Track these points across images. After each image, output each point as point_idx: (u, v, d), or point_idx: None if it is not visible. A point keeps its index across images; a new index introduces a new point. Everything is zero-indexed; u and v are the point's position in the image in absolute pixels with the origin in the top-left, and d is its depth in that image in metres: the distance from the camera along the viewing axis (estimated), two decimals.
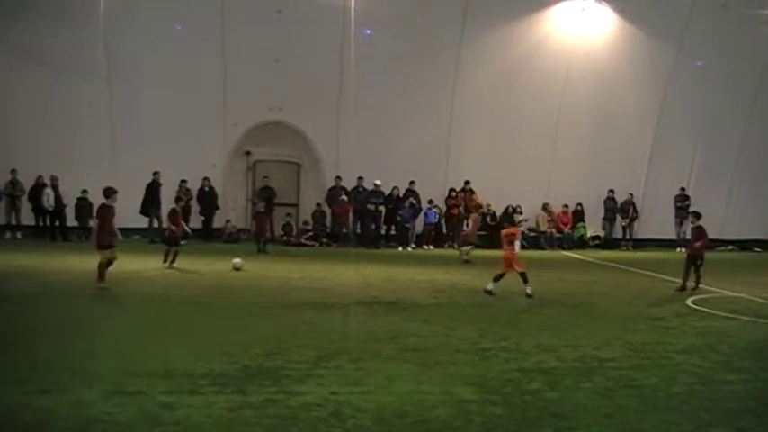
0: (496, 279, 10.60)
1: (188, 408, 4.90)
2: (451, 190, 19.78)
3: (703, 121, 20.63)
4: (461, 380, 5.84)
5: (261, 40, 18.11)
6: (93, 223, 10.80)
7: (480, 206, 17.21)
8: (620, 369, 6.39)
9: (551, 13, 19.32)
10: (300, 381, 5.64)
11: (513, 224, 11.59)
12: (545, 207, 20.70)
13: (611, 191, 21.02)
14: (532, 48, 19.28)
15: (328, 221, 19.55)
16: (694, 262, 11.63)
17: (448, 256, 17.38)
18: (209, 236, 18.58)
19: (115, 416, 4.70)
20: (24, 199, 17.97)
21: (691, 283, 11.55)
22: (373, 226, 19.29)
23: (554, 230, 20.66)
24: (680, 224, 20.32)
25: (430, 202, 19.51)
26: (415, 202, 19.23)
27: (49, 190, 17.80)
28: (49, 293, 9.82)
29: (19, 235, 18.02)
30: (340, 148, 19.25)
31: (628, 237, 21.22)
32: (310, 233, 19.03)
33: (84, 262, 11.83)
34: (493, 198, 17.33)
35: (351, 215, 19.26)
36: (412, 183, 19.32)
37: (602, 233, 21.38)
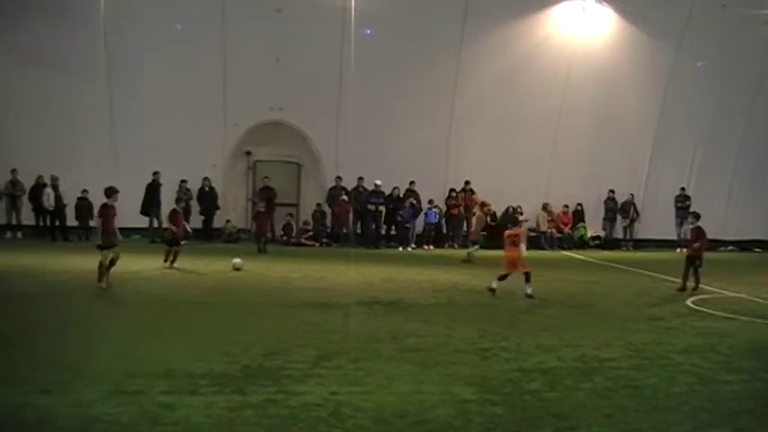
0: (501, 278, 10.60)
1: (188, 408, 4.90)
2: (452, 190, 19.78)
3: (703, 122, 20.62)
4: (461, 380, 5.84)
5: (261, 39, 18.12)
6: (96, 223, 10.79)
7: (486, 204, 16.87)
8: (620, 369, 6.38)
9: (552, 13, 19.32)
10: (300, 381, 5.64)
11: (517, 225, 11.53)
12: (545, 207, 20.70)
13: (612, 191, 21.02)
14: (533, 48, 19.28)
15: (328, 221, 19.56)
16: (693, 263, 11.62)
17: (448, 256, 17.38)
18: (209, 236, 18.59)
19: (115, 416, 4.70)
20: (25, 199, 17.99)
21: (691, 284, 11.54)
22: (373, 226, 19.30)
23: (554, 230, 20.67)
24: (680, 224, 20.28)
25: (430, 202, 19.51)
26: (415, 202, 19.23)
27: (49, 190, 17.81)
28: (50, 293, 9.82)
29: (19, 235, 18.04)
30: (340, 148, 19.27)
31: (628, 237, 21.22)
32: (310, 233, 19.04)
33: (84, 262, 11.83)
34: (493, 198, 17.31)
35: (351, 215, 19.27)
36: (412, 183, 19.32)
37: (602, 233, 21.38)
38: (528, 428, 4.78)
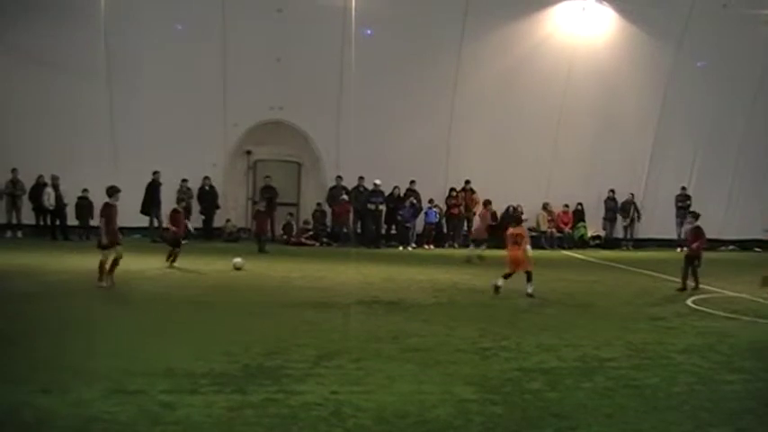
0: (506, 277, 10.60)
1: (188, 407, 4.90)
2: (452, 189, 19.77)
3: (704, 121, 20.62)
4: (462, 379, 5.84)
5: (261, 39, 18.11)
6: (99, 222, 10.79)
7: (489, 202, 16.70)
8: (620, 369, 6.38)
9: (552, 12, 19.31)
10: (301, 380, 5.64)
11: (519, 224, 11.50)
12: (545, 207, 20.70)
13: (612, 191, 21.01)
14: (533, 47, 19.27)
15: (329, 221, 19.55)
16: (692, 262, 11.63)
17: (448, 255, 17.38)
18: (209, 235, 18.59)
19: (115, 415, 4.70)
20: (25, 198, 17.99)
21: (691, 283, 11.54)
22: (374, 226, 19.30)
23: (554, 230, 20.66)
24: (681, 224, 20.26)
25: (430, 201, 19.50)
26: (415, 201, 19.22)
27: (49, 189, 17.81)
28: (50, 293, 9.82)
29: (20, 234, 18.03)
30: (340, 148, 19.26)
31: (628, 236, 21.22)
32: (311, 232, 19.04)
33: (84, 261, 11.84)
34: (493, 198, 17.29)
35: (351, 215, 19.27)
36: (412, 182, 19.32)
37: (602, 233, 21.38)
38: (528, 428, 4.78)
